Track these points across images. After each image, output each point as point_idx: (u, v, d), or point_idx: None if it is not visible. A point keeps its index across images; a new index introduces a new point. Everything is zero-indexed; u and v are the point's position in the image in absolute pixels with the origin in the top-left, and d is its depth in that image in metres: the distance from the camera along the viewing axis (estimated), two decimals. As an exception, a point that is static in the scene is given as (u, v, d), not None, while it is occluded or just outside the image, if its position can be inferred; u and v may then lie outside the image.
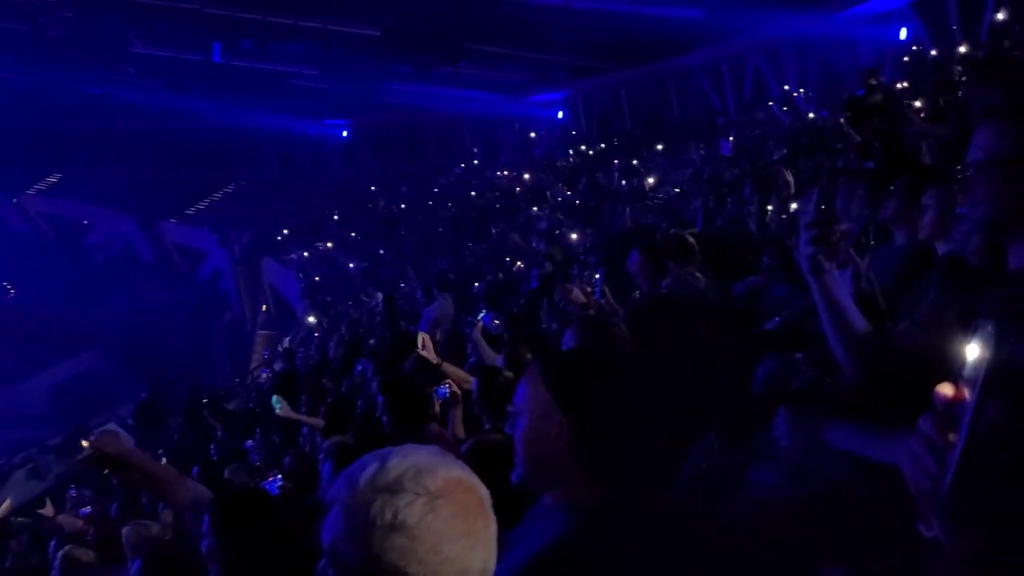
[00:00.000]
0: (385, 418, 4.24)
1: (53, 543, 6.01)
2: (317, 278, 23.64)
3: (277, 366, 14.38)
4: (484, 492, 1.31)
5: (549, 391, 1.81)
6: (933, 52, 16.75)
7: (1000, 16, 15.95)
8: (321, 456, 5.37)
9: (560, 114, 31.53)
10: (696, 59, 25.38)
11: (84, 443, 2.61)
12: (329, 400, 7.54)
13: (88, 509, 7.29)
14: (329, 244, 26.84)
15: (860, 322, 2.04)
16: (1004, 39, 13.22)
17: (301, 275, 25.12)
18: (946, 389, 1.00)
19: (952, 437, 0.99)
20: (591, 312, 4.19)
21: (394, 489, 1.22)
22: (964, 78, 9.58)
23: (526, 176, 21.26)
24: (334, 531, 1.25)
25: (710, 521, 1.85)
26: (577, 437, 1.77)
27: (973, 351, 0.97)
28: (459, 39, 26.87)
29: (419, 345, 4.91)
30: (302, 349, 16.23)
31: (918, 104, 7.18)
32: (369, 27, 26.60)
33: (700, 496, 2.00)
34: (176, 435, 12.55)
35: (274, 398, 6.40)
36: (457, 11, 23.83)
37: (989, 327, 0.95)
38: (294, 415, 6.52)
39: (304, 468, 5.37)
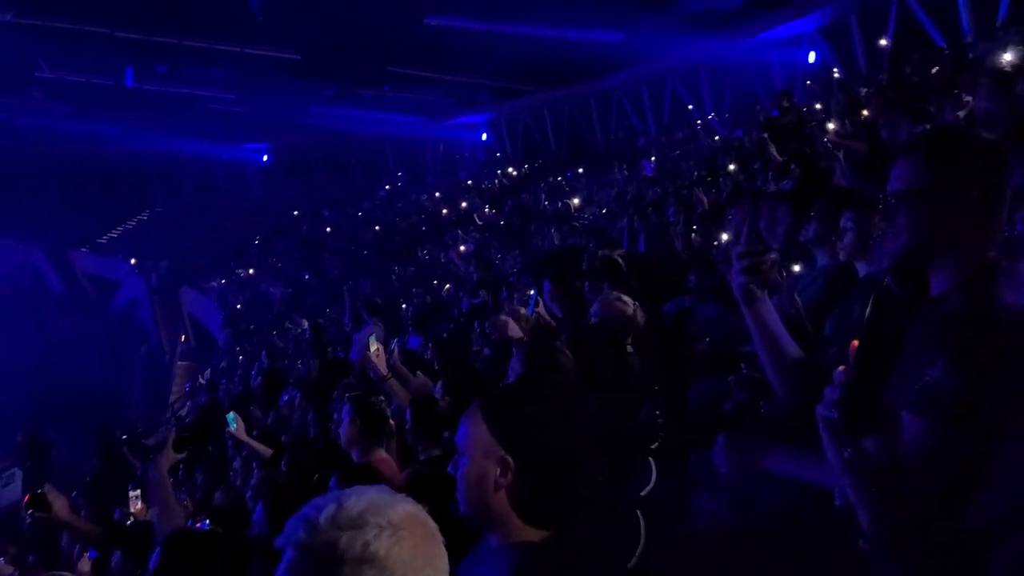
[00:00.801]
0: (343, 430, 4.16)
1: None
2: (239, 306, 23.10)
3: (200, 399, 13.95)
4: (435, 527, 1.34)
5: (491, 431, 1.79)
6: (838, 74, 17.49)
7: (882, 42, 16.89)
8: (249, 494, 5.22)
9: (484, 136, 31.71)
10: (617, 81, 25.91)
11: None
12: (254, 433, 7.35)
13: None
14: (251, 270, 26.32)
15: (793, 348, 2.09)
16: (905, 65, 13.87)
17: (222, 303, 24.52)
18: (855, 343, 1.35)
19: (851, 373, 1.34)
20: (526, 341, 4.19)
21: (359, 524, 1.23)
22: (870, 100, 10.00)
23: (463, 205, 21.26)
24: (294, 575, 1.24)
25: (656, 551, 1.86)
26: (522, 475, 1.75)
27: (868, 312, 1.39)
28: (383, 62, 26.81)
29: (372, 351, 4.84)
30: (224, 380, 15.80)
31: (831, 125, 7.43)
32: (289, 51, 26.31)
33: (644, 525, 2.02)
34: (89, 476, 11.98)
35: (230, 415, 6.20)
36: (380, 35, 23.78)
37: (873, 298, 1.39)
38: (246, 438, 6.33)
39: (235, 506, 5.22)
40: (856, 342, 1.31)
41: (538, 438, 1.79)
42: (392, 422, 4.64)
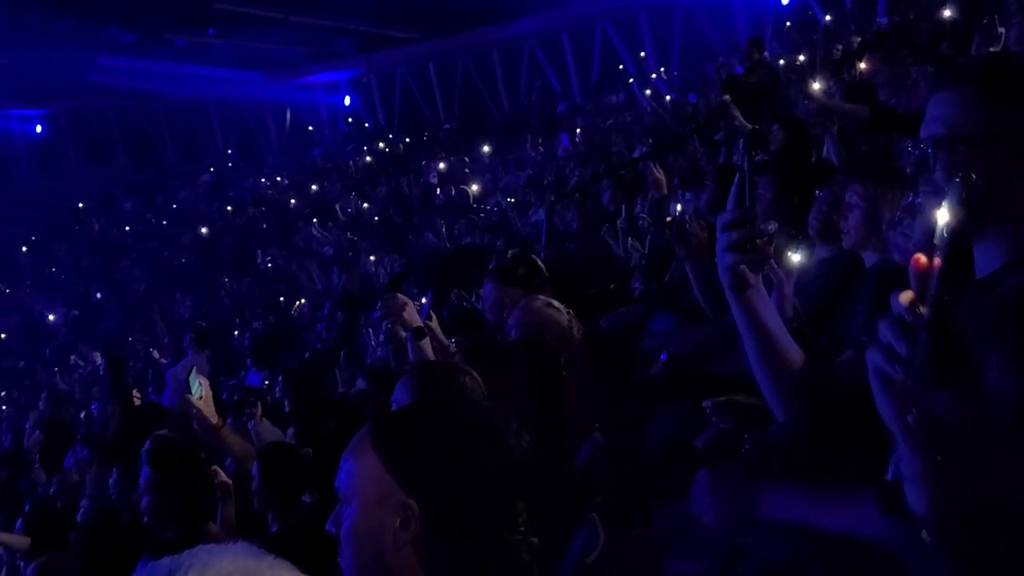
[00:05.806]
0: (144, 500, 4.06)
1: None
2: (3, 336, 22.41)
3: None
4: None
5: (386, 466, 1.77)
6: (828, 17, 18.07)
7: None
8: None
9: (347, 100, 31.59)
10: (528, 27, 26.17)
11: None
12: (27, 508, 7.13)
13: None
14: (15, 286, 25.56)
15: (796, 352, 2.09)
16: (908, 7, 14.48)
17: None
18: (921, 258, 1.22)
19: (923, 310, 1.21)
20: (427, 336, 4.20)
21: None
22: (864, 51, 10.37)
23: (313, 188, 21.10)
24: None
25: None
26: (430, 526, 1.73)
27: (943, 216, 1.22)
28: (205, -2, 26.45)
29: (197, 395, 4.73)
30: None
31: (817, 85, 7.65)
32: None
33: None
34: None
35: None
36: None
37: (950, 196, 1.25)
38: None
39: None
40: (921, 256, 1.22)
41: (451, 473, 1.78)
42: (228, 481, 4.54)
